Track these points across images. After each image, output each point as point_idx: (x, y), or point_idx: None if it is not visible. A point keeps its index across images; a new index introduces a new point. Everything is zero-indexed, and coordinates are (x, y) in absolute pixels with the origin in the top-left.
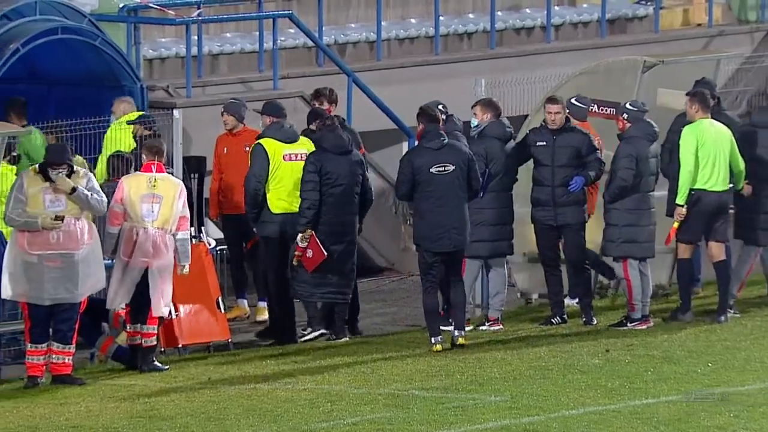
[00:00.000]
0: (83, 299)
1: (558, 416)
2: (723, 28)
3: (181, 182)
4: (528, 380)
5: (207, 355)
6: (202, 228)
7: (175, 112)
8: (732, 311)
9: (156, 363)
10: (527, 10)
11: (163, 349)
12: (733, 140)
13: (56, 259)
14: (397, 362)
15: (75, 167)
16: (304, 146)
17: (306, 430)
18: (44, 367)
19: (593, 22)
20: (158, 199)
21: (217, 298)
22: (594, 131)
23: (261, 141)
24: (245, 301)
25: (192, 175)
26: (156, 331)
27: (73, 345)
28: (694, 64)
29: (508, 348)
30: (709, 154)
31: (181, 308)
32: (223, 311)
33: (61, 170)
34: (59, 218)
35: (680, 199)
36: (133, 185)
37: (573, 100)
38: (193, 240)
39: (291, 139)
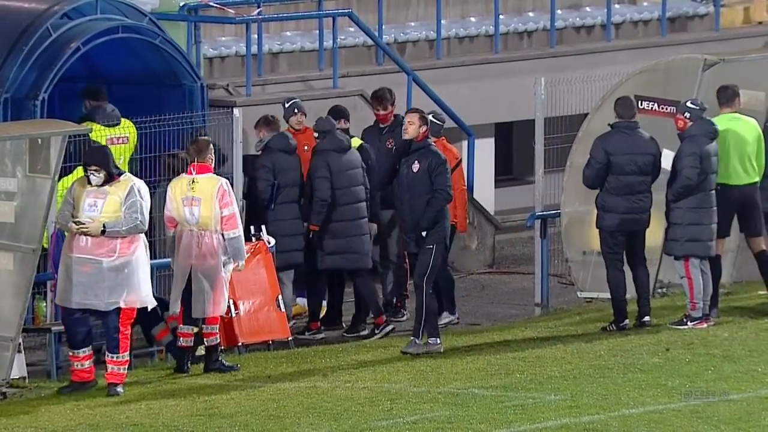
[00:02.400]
0: (126, 309)
1: (618, 415)
2: None
3: (222, 180)
4: (588, 379)
5: (267, 353)
6: (262, 227)
7: (235, 111)
8: None
9: (223, 362)
10: (587, 9)
11: (223, 348)
12: (761, 136)
13: (85, 264)
14: (456, 360)
15: (121, 177)
16: (127, 130)
17: (365, 429)
18: (89, 372)
19: (654, 20)
20: (197, 202)
21: (277, 296)
22: (446, 148)
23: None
24: (305, 300)
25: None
26: (217, 330)
27: (121, 354)
28: (754, 63)
29: (567, 346)
30: (729, 149)
31: (241, 306)
32: (283, 309)
33: (93, 171)
34: (79, 222)
35: None
36: (176, 188)
37: (431, 117)
38: (253, 238)
39: (113, 122)
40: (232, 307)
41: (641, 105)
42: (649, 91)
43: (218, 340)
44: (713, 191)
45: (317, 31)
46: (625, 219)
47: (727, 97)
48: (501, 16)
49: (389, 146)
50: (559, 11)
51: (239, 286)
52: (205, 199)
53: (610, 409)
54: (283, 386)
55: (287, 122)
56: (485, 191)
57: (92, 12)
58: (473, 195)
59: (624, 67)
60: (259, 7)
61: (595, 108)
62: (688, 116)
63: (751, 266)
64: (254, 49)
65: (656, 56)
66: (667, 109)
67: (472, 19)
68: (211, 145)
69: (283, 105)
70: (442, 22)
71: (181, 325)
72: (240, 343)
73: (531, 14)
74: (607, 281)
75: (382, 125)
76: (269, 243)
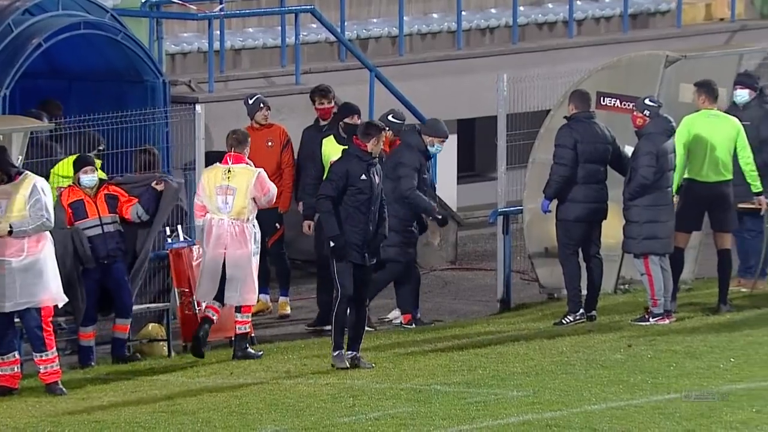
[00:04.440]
0: (43, 307)
1: (580, 411)
2: (745, 22)
3: (259, 171)
4: (550, 375)
5: (229, 349)
6: None
7: (197, 107)
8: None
9: (250, 350)
10: (549, 5)
11: (185, 344)
12: (742, 134)
13: (1, 266)
14: (418, 357)
15: (20, 175)
16: None
17: (328, 425)
18: (15, 377)
19: (615, 16)
20: (232, 191)
21: None
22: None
23: None
24: (267, 296)
25: None
26: (249, 319)
27: (49, 351)
28: (716, 59)
29: (529, 343)
30: (699, 145)
31: (203, 303)
32: None
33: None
34: None
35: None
36: (210, 177)
37: (389, 117)
38: None
39: None
40: (195, 303)
41: (603, 101)
42: (611, 88)
43: (248, 329)
44: (670, 188)
45: (279, 28)
46: (589, 208)
47: (709, 93)
48: (463, 13)
49: None
50: (521, 8)
51: None
52: (240, 190)
53: (573, 405)
54: (246, 382)
55: (252, 118)
56: (448, 188)
57: (54, 8)
58: (436, 191)
59: (586, 64)
60: (221, 3)
61: (558, 104)
62: (647, 114)
63: (713, 262)
64: (216, 45)
65: (618, 53)
66: (628, 105)
67: (435, 15)
68: (249, 138)
69: (246, 102)
70: (405, 18)
71: (212, 301)
72: None
73: (493, 11)
74: (564, 273)
75: (322, 122)
76: None
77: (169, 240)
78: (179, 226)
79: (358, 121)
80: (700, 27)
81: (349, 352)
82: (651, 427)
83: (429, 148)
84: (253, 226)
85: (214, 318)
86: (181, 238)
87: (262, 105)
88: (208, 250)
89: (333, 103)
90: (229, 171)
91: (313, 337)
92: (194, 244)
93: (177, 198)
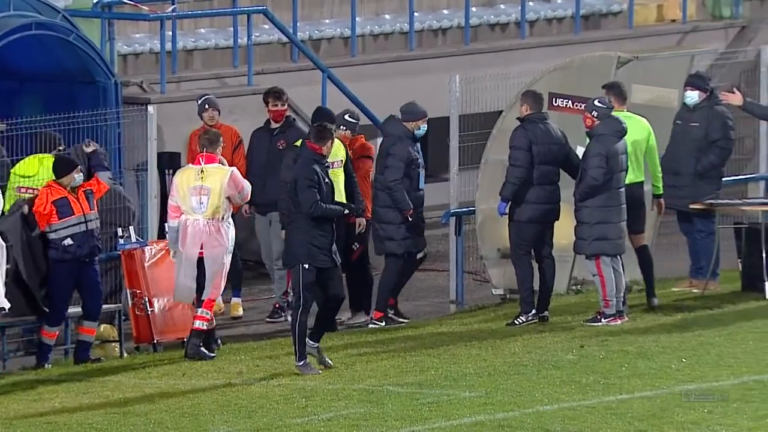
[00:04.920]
0: None
1: (532, 412)
2: (697, 24)
3: (232, 169)
4: (502, 376)
5: (182, 350)
6: None
7: (149, 108)
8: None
9: (202, 349)
10: (502, 6)
11: (137, 346)
12: (652, 135)
13: None
14: (371, 358)
15: None
16: None
17: (281, 426)
18: None
19: (567, 17)
20: (206, 191)
21: None
22: (363, 146)
23: None
24: (220, 298)
25: (166, 171)
26: (209, 316)
27: None
28: (667, 60)
29: (482, 343)
30: None
31: (156, 304)
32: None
33: None
34: None
35: None
36: (184, 178)
37: (346, 116)
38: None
39: None
40: (147, 304)
41: (555, 102)
42: (563, 89)
43: (206, 326)
44: (621, 189)
45: (232, 29)
46: (542, 209)
47: (617, 95)
48: (416, 14)
49: (281, 147)
50: (473, 8)
51: (154, 284)
52: (214, 189)
53: (525, 405)
54: (198, 384)
55: (201, 118)
56: None
57: (5, 8)
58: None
59: (538, 65)
60: (173, 4)
61: (510, 105)
62: (595, 115)
63: (664, 263)
64: (168, 46)
65: (570, 54)
66: (580, 106)
67: (387, 16)
68: (221, 138)
69: (197, 102)
70: (357, 19)
71: (200, 310)
72: (155, 341)
73: (445, 11)
74: (516, 274)
75: (273, 125)
76: None
77: (121, 241)
78: (131, 227)
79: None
80: (651, 28)
81: (312, 343)
82: (603, 428)
83: (415, 132)
84: (229, 224)
85: (208, 326)
86: (133, 239)
87: (207, 106)
88: (185, 250)
89: (286, 106)
90: (202, 171)
91: (265, 339)
92: (146, 245)
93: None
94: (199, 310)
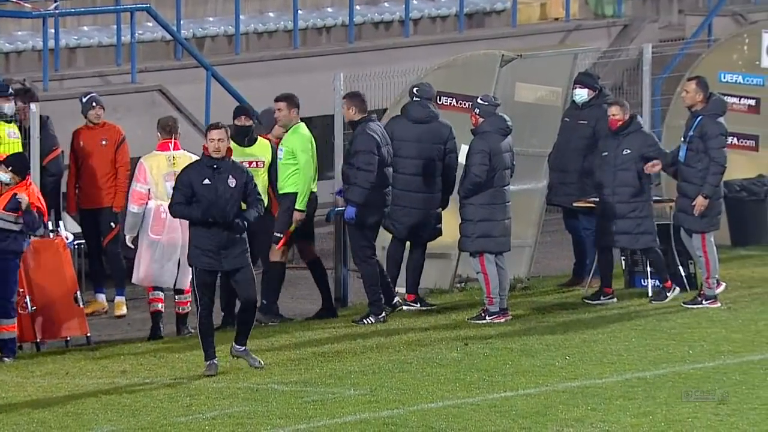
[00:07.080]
0: None
1: (417, 410)
2: (580, 22)
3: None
4: (387, 374)
5: (65, 349)
6: (60, 222)
7: (32, 106)
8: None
9: (191, 329)
10: (386, 4)
11: (20, 345)
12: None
13: None
14: (256, 355)
15: None
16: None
17: (165, 425)
18: None
19: (451, 16)
20: None
21: (75, 293)
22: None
23: None
24: (103, 296)
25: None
26: (188, 300)
27: None
28: (551, 59)
29: (366, 341)
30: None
31: (39, 303)
32: (81, 306)
33: None
34: None
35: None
36: (154, 165)
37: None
38: (50, 234)
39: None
40: (29, 302)
41: (440, 100)
42: (448, 87)
43: (188, 310)
44: (506, 187)
45: (115, 26)
46: (383, 212)
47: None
48: (299, 12)
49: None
50: (357, 7)
51: (37, 283)
52: None
53: (409, 403)
54: (82, 383)
55: (85, 117)
56: None
57: None
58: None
59: (422, 63)
60: (56, 1)
61: (394, 103)
62: (477, 113)
63: (549, 261)
64: (51, 43)
65: (454, 52)
66: (464, 104)
67: (271, 14)
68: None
69: (80, 100)
70: (241, 17)
71: (154, 291)
72: (37, 339)
73: (329, 10)
74: (362, 276)
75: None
76: (67, 239)
77: None
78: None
79: (247, 123)
80: (535, 26)
81: (239, 347)
82: (487, 425)
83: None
84: None
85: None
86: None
87: (94, 104)
88: (161, 236)
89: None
90: (173, 158)
91: (149, 341)
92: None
93: None
94: (182, 296)
